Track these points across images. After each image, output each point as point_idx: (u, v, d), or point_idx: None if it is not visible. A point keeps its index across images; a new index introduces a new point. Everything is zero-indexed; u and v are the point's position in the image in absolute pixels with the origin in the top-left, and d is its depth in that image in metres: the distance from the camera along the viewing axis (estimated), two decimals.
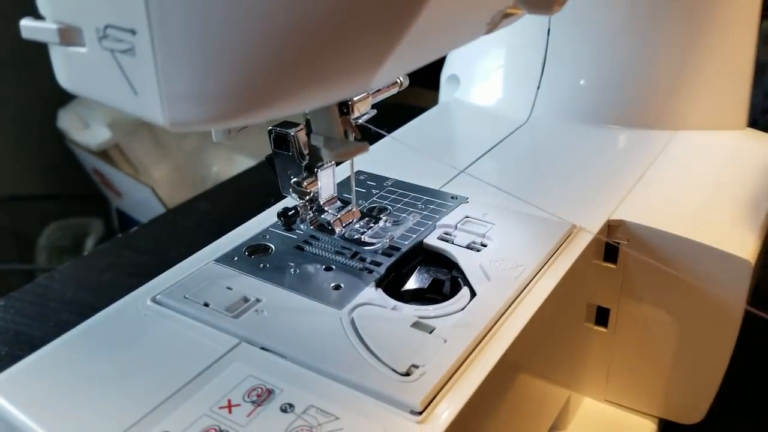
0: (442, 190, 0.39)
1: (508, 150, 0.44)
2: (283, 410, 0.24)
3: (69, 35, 0.22)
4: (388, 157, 0.43)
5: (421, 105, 0.55)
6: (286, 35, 0.18)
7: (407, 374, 0.25)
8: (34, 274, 1.20)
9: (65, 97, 1.13)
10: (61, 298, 0.55)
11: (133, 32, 0.20)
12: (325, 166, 0.32)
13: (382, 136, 0.46)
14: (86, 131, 1.18)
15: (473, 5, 0.23)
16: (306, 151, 0.31)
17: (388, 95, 0.32)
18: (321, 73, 0.19)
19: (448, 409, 0.24)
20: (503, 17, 0.25)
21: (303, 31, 0.18)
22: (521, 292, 0.30)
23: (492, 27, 0.25)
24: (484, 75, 0.51)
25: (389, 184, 0.39)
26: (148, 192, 1.16)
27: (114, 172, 1.19)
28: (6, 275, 1.17)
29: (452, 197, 0.37)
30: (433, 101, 0.55)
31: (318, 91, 0.20)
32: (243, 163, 1.08)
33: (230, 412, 0.24)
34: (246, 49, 0.19)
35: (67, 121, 1.18)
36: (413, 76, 0.30)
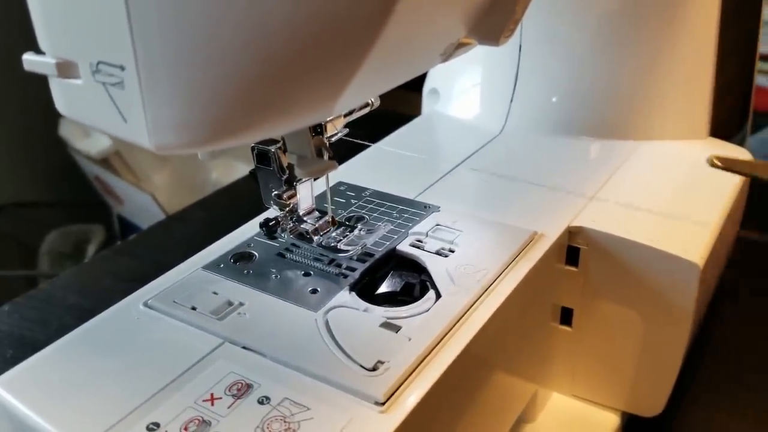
0: (416, 199, 0.41)
1: (482, 160, 0.47)
2: (260, 402, 0.27)
3: (66, 69, 0.25)
4: (368, 169, 0.46)
5: (407, 111, 0.58)
6: (253, 73, 0.21)
7: (373, 369, 0.28)
8: (37, 280, 1.22)
9: None
10: (63, 303, 0.58)
11: (122, 68, 0.23)
12: (304, 180, 0.34)
13: (363, 149, 0.49)
14: (87, 139, 1.20)
15: (425, 39, 0.26)
16: (285, 166, 0.34)
17: (361, 114, 0.34)
18: (284, 105, 0.22)
19: (409, 400, 0.27)
20: (457, 47, 0.28)
21: (267, 70, 0.21)
22: (482, 294, 0.33)
23: (446, 57, 0.28)
24: (462, 89, 0.53)
25: (367, 194, 0.42)
26: (148, 199, 1.19)
27: (115, 179, 1.22)
28: (9, 281, 1.19)
29: (425, 206, 0.40)
30: (418, 105, 0.58)
31: (284, 120, 0.22)
32: (242, 169, 1.11)
33: (212, 404, 0.27)
34: (220, 85, 0.22)
35: (68, 129, 1.21)
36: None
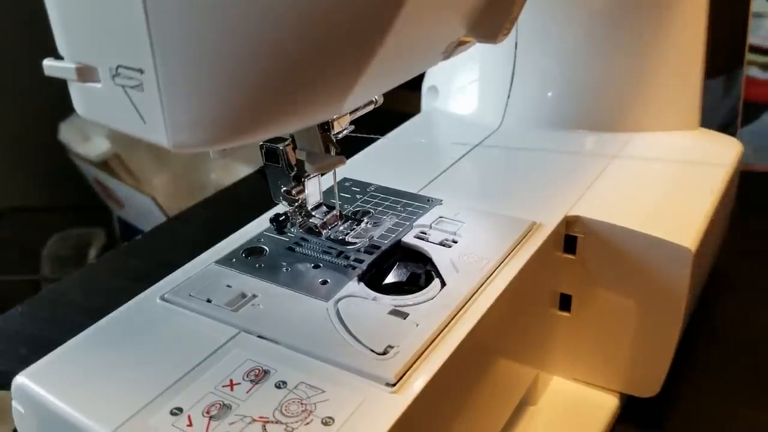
0: (419, 193, 0.43)
1: (482, 154, 0.48)
2: (278, 387, 0.28)
3: (86, 73, 0.26)
4: (372, 165, 0.47)
5: (407, 109, 0.59)
6: (267, 74, 0.23)
7: (384, 353, 0.29)
8: (39, 284, 1.23)
9: (66, 111, 1.17)
10: (73, 303, 0.59)
11: (141, 71, 0.24)
12: (311, 176, 0.36)
13: (366, 145, 0.50)
14: (87, 143, 1.21)
15: (428, 38, 0.27)
16: (294, 163, 0.35)
17: (366, 112, 0.36)
18: (296, 103, 0.23)
19: (418, 381, 0.28)
20: (457, 46, 0.29)
21: (279, 71, 0.22)
22: (485, 281, 0.34)
23: (447, 55, 0.29)
24: (461, 86, 0.55)
25: (372, 189, 0.43)
26: (148, 201, 1.20)
27: (115, 182, 1.23)
28: (11, 285, 1.20)
29: (428, 200, 0.42)
30: (418, 103, 0.59)
31: (295, 118, 0.24)
32: (240, 170, 1.12)
33: (232, 389, 0.28)
34: (235, 86, 0.23)
35: (68, 133, 1.22)
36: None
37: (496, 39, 0.29)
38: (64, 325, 0.56)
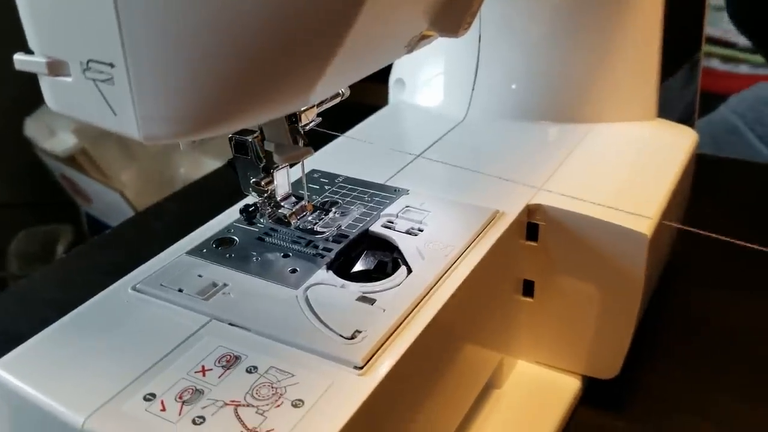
0: (386, 183, 0.44)
1: (447, 145, 0.49)
2: (248, 371, 0.29)
3: (56, 67, 0.26)
4: (340, 157, 0.48)
5: (375, 102, 0.60)
6: (234, 69, 0.23)
7: (352, 338, 0.30)
8: (6, 282, 1.22)
9: (31, 106, 1.16)
10: (43, 297, 0.59)
11: (111, 65, 0.25)
12: (280, 167, 0.36)
13: (334, 138, 0.51)
14: (53, 138, 1.20)
15: (391, 32, 0.28)
16: (263, 155, 0.36)
17: (332, 104, 0.36)
18: (263, 96, 0.24)
19: (384, 364, 0.29)
20: (419, 39, 0.30)
21: (245, 65, 0.23)
22: (449, 267, 0.35)
23: (410, 48, 0.30)
24: (427, 79, 0.56)
25: (340, 180, 0.44)
26: (116, 196, 1.19)
27: (82, 177, 1.21)
28: None
29: (395, 190, 0.43)
30: (385, 95, 0.60)
31: (262, 110, 0.25)
32: (209, 164, 1.12)
33: (204, 375, 0.29)
34: (204, 79, 0.24)
35: (34, 129, 1.20)
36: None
37: (457, 33, 0.30)
38: (35, 320, 0.55)
